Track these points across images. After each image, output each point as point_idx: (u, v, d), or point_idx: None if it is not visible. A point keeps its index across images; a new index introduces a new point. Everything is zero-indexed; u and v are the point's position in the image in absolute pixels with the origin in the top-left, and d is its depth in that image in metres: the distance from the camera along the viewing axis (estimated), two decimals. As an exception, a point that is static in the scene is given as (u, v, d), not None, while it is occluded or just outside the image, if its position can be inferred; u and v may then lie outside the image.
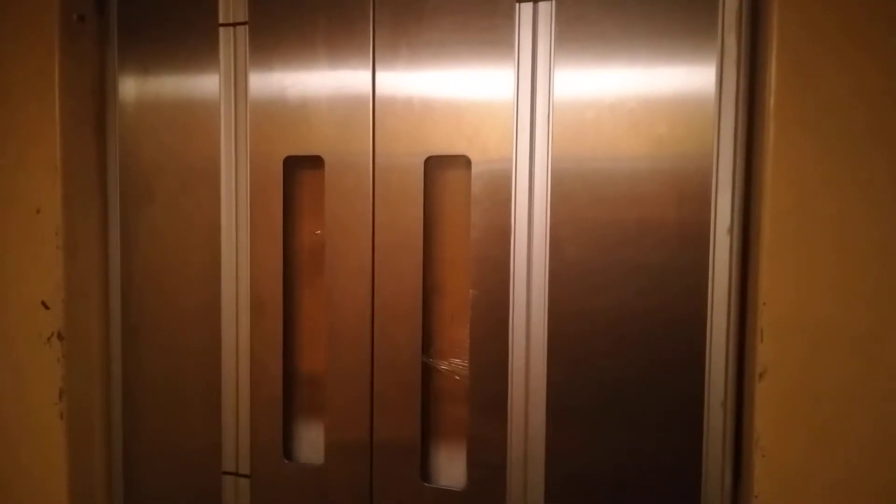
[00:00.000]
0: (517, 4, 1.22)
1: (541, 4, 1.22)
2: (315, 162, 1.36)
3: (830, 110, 1.02)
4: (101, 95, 1.50)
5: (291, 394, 1.45)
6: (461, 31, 1.25)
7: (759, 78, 1.10)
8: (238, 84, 1.40)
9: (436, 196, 1.33)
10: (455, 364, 1.34)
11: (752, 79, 1.13)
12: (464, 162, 1.28)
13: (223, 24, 1.40)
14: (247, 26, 1.38)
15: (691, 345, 1.17)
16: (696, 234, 1.15)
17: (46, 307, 1.42)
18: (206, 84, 1.42)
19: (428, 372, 1.35)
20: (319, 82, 1.34)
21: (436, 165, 1.31)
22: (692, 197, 1.15)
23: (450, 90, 1.26)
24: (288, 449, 1.44)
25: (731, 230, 1.14)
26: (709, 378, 1.16)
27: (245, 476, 1.45)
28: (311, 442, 1.45)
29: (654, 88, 1.15)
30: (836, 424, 1.05)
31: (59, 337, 1.42)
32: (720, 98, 1.13)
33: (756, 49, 1.12)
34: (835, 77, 1.02)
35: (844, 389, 1.04)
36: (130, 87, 1.47)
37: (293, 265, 1.43)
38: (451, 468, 1.36)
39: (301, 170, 1.40)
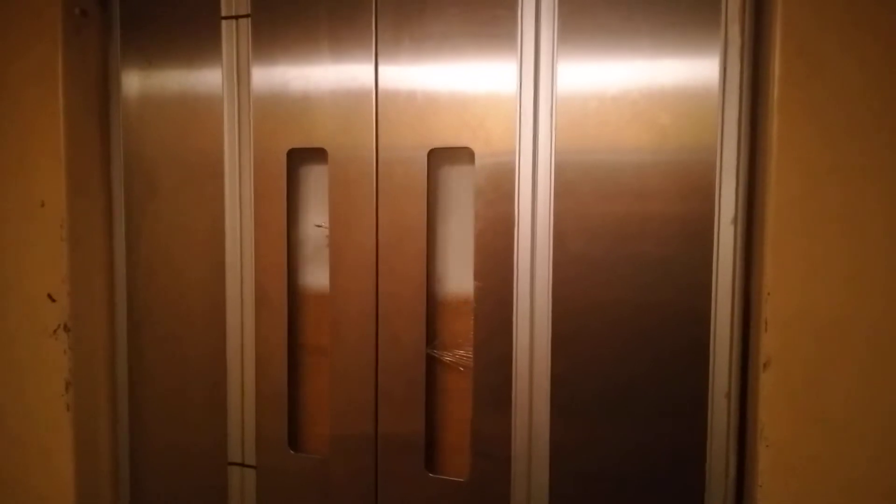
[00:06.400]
0: (520, -5, 1.22)
1: (543, -5, 1.21)
2: (319, 155, 1.36)
3: (835, 99, 1.02)
4: (105, 88, 1.50)
5: (296, 384, 1.45)
6: (464, 23, 1.24)
7: (762, 68, 1.10)
8: (241, 77, 1.40)
9: (439, 188, 1.33)
10: (459, 355, 1.34)
11: (755, 69, 1.12)
12: (467, 154, 1.28)
13: (225, 17, 1.40)
14: (249, 19, 1.38)
15: (695, 336, 1.16)
16: (700, 224, 1.15)
17: (52, 299, 1.43)
18: (208, 77, 1.42)
19: (432, 363, 1.35)
20: (322, 75, 1.33)
21: (439, 158, 1.31)
22: (696, 188, 1.15)
23: (453, 82, 1.26)
24: (293, 439, 1.44)
25: (735, 221, 1.14)
26: (713, 369, 1.16)
27: (251, 467, 1.46)
28: (317, 433, 1.45)
29: (657, 79, 1.15)
30: (840, 414, 1.05)
31: (66, 329, 1.43)
32: (724, 88, 1.12)
33: (760, 39, 1.11)
34: (839, 66, 1.01)
35: (849, 379, 1.04)
36: (133, 80, 1.47)
37: (297, 257, 1.44)
38: (455, 459, 1.37)
39: (305, 163, 1.40)
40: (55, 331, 1.44)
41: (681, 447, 1.18)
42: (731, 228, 1.14)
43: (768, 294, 1.06)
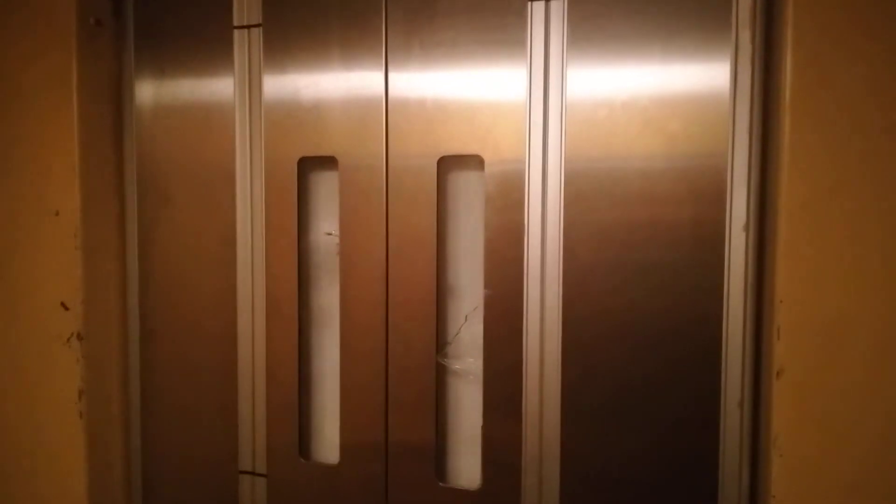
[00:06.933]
0: (529, 3, 1.22)
1: (553, 3, 1.21)
2: (329, 163, 1.37)
3: (846, 105, 1.01)
4: (118, 98, 1.52)
5: (307, 393, 1.46)
6: (473, 30, 1.25)
7: (773, 74, 1.09)
8: (253, 86, 1.41)
9: (449, 196, 1.33)
10: (469, 364, 1.34)
11: (766, 75, 1.12)
12: (477, 162, 1.28)
13: (238, 27, 1.41)
14: (261, 28, 1.39)
15: (707, 344, 1.16)
16: (712, 232, 1.14)
17: (66, 308, 1.44)
18: (221, 86, 1.43)
19: (442, 371, 1.35)
20: (333, 83, 1.34)
21: (449, 165, 1.31)
22: (707, 195, 1.14)
23: (462, 90, 1.26)
24: (304, 448, 1.44)
25: (746, 227, 1.13)
26: (725, 377, 1.15)
27: (262, 475, 1.46)
28: (327, 441, 1.45)
29: (667, 86, 1.15)
30: (854, 423, 1.04)
31: (79, 337, 1.44)
32: (735, 95, 1.12)
33: (770, 45, 1.11)
34: (850, 72, 1.01)
35: (863, 387, 1.03)
36: (147, 90, 1.49)
37: (308, 265, 1.44)
38: (466, 468, 1.36)
39: (315, 171, 1.41)
40: (68, 339, 1.44)
41: (693, 456, 1.17)
42: (743, 235, 1.13)
43: (781, 301, 1.05)
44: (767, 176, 1.12)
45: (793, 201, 1.04)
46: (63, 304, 1.44)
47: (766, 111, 1.12)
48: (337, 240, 1.39)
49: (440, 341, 1.34)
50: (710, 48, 1.12)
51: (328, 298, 1.44)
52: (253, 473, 1.47)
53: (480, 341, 1.30)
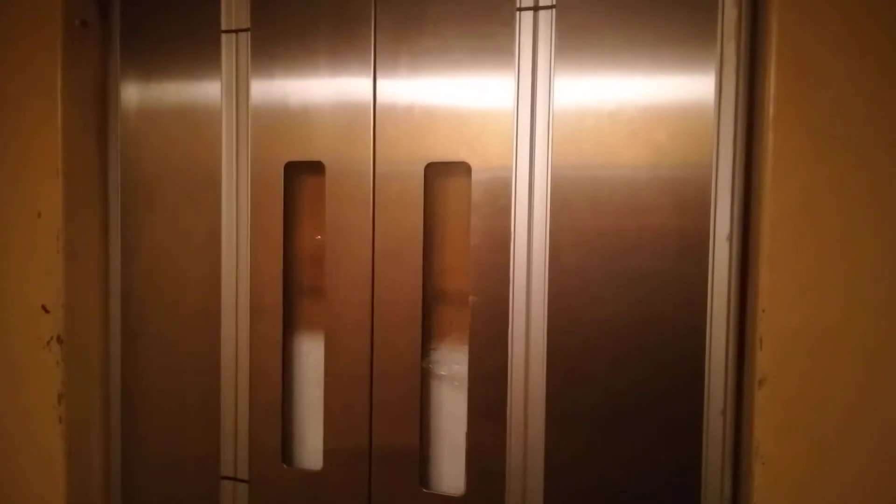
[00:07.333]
0: (518, 12, 1.23)
1: (541, 13, 1.22)
2: (316, 168, 1.36)
3: (831, 116, 1.02)
4: (103, 100, 1.51)
5: (290, 398, 1.45)
6: (462, 38, 1.25)
7: (758, 85, 1.11)
8: (240, 90, 1.40)
9: (436, 202, 1.33)
10: (454, 370, 1.34)
11: (751, 86, 1.13)
12: (464, 169, 1.28)
13: (225, 31, 1.41)
14: (249, 33, 1.39)
15: (691, 352, 1.16)
16: (696, 241, 1.15)
17: (46, 311, 1.43)
18: (207, 90, 1.42)
19: (427, 377, 1.35)
20: (321, 89, 1.34)
21: (436, 172, 1.32)
22: (691, 204, 1.15)
23: (450, 97, 1.27)
24: (287, 454, 1.44)
25: (730, 237, 1.14)
26: (708, 386, 1.16)
27: (243, 481, 1.45)
28: (310, 447, 1.45)
29: (653, 96, 1.16)
30: (837, 432, 1.04)
31: (59, 341, 1.42)
32: (719, 106, 1.13)
33: (755, 56, 1.12)
34: (836, 83, 1.02)
35: (846, 396, 1.04)
36: (132, 93, 1.48)
37: (293, 270, 1.43)
38: (449, 474, 1.36)
39: (302, 176, 1.41)
40: (48, 342, 1.43)
41: (676, 464, 1.18)
42: (727, 245, 1.14)
43: (763, 311, 1.06)
44: (751, 186, 1.13)
45: (776, 211, 1.05)
46: (44, 307, 1.43)
47: (750, 122, 1.13)
48: (323, 244, 1.38)
49: (425, 346, 1.34)
50: (695, 59, 1.14)
51: (313, 303, 1.43)
52: (234, 479, 1.46)
53: (466, 347, 1.30)
